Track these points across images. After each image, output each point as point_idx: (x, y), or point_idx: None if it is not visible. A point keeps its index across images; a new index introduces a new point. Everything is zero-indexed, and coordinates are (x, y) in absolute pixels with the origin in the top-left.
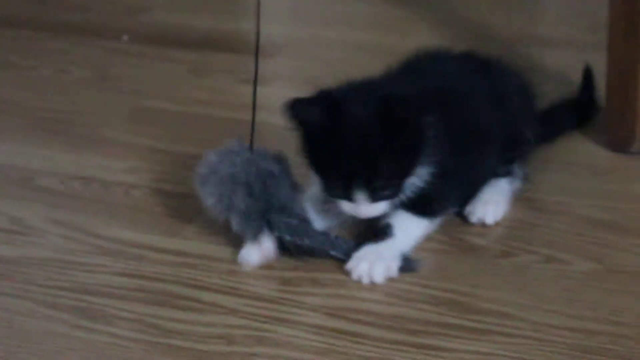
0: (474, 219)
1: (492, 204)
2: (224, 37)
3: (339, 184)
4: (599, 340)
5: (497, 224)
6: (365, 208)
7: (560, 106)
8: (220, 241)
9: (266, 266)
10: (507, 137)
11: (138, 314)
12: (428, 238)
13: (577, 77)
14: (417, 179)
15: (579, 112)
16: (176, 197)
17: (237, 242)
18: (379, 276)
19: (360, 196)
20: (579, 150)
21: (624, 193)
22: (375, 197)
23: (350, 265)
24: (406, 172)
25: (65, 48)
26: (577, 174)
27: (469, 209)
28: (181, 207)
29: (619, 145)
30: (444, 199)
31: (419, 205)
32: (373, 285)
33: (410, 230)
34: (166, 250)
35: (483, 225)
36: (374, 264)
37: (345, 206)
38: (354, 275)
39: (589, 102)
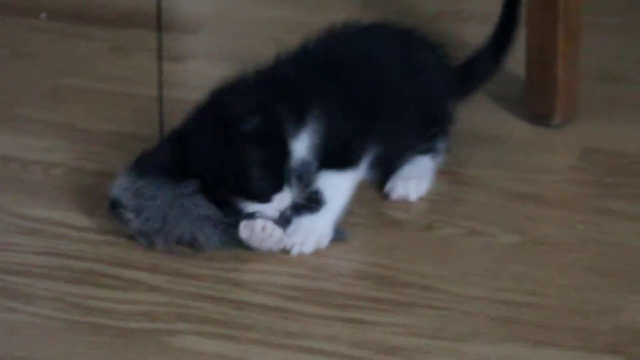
0: (395, 195)
1: (414, 180)
2: (146, 14)
3: (229, 209)
4: (522, 312)
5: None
6: (267, 210)
7: (474, 58)
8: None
9: (189, 243)
10: (425, 110)
11: (59, 293)
12: (351, 213)
13: None
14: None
15: (495, 55)
16: (96, 175)
17: None
18: (309, 248)
19: (253, 207)
20: (500, 124)
21: (545, 166)
22: (266, 200)
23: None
24: (282, 160)
25: None
26: (498, 147)
27: (389, 185)
28: (101, 185)
29: (540, 118)
30: (354, 145)
31: (334, 159)
32: (297, 261)
33: (338, 187)
34: (86, 229)
35: (405, 201)
36: (307, 236)
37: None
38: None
39: (508, 29)
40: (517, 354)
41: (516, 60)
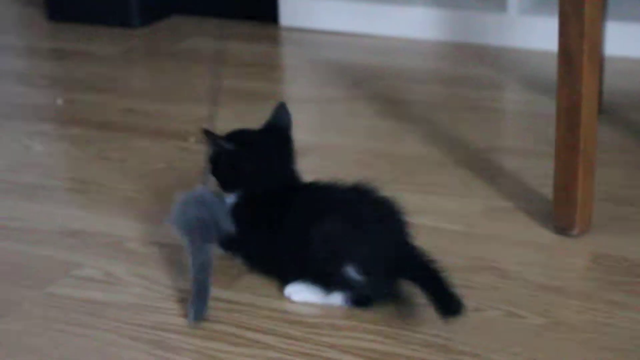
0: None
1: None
2: None
3: None
4: None
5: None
6: None
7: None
8: (261, 293)
9: (295, 313)
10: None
11: (199, 347)
12: (418, 295)
13: (528, 179)
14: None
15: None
16: (227, 260)
17: (273, 294)
18: None
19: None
20: (533, 232)
21: (565, 265)
22: None
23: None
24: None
25: (147, 145)
26: (530, 250)
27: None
28: (232, 267)
29: (563, 229)
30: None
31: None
32: (375, 329)
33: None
34: (221, 299)
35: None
36: None
37: None
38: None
39: None
40: None
41: (547, 186)
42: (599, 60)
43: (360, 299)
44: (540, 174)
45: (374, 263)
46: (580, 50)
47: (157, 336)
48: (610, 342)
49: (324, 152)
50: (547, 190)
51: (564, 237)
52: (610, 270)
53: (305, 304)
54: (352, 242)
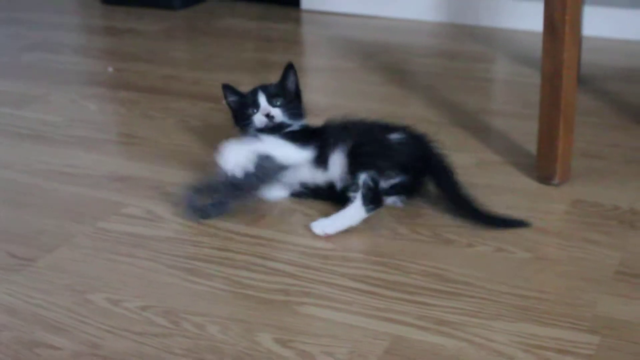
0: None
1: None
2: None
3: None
4: (531, 302)
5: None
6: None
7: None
8: (281, 229)
9: (310, 247)
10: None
11: (227, 274)
12: (418, 233)
13: (515, 136)
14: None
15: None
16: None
17: (293, 231)
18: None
19: (262, 101)
20: (518, 182)
21: (547, 209)
22: (271, 103)
23: None
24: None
25: (185, 106)
26: (517, 196)
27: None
28: (257, 207)
29: (545, 179)
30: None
31: None
32: (381, 261)
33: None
34: (247, 234)
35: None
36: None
37: (256, 121)
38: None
39: None
40: (528, 330)
41: (530, 142)
42: (579, 31)
43: (374, 199)
44: (524, 133)
45: (410, 162)
46: (563, 21)
47: (190, 265)
48: (584, 273)
49: (337, 112)
50: (530, 146)
51: (546, 186)
52: (586, 214)
53: (318, 239)
54: (390, 152)
